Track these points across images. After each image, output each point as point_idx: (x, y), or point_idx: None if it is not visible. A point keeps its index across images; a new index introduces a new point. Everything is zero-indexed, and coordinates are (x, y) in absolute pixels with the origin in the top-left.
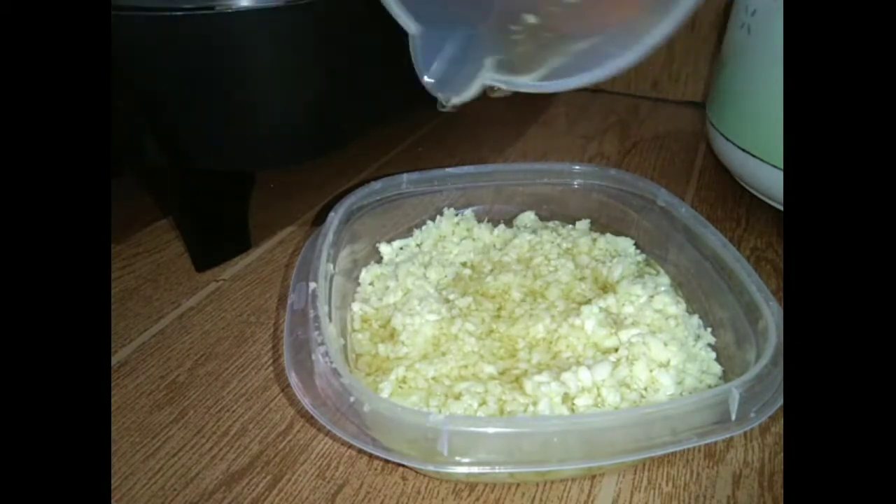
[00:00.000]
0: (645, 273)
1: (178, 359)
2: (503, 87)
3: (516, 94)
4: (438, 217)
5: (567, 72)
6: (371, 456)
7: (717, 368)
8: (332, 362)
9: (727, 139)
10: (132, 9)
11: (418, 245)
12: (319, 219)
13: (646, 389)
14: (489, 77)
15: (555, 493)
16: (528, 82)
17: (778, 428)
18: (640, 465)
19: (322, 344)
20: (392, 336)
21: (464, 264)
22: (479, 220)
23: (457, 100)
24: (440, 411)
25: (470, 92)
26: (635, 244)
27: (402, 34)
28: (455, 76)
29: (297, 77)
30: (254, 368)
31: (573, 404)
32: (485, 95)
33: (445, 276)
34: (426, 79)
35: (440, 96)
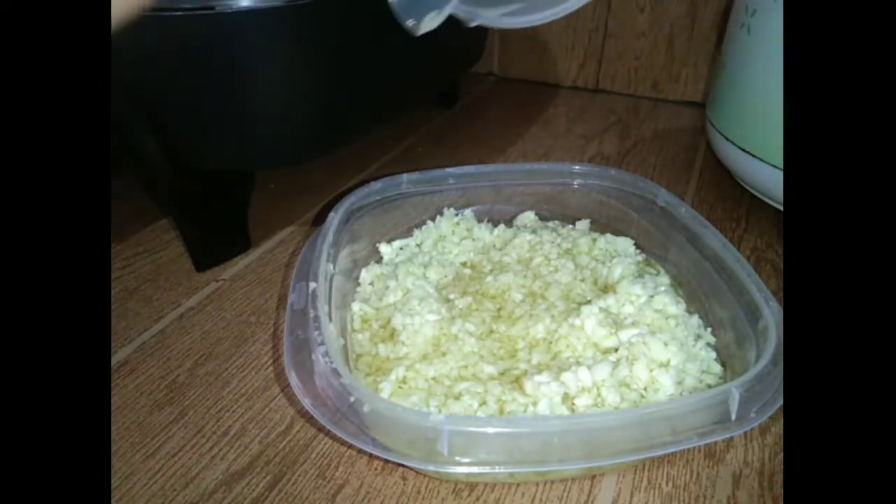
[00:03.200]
0: (645, 273)
1: (178, 359)
2: (466, 18)
3: (516, 94)
4: (438, 217)
5: (531, 8)
6: (371, 456)
7: (717, 368)
8: (332, 362)
9: (727, 139)
10: None
11: (418, 245)
12: (319, 219)
13: (646, 389)
14: (454, 6)
15: (555, 493)
16: (491, 16)
17: (778, 428)
18: (640, 465)
19: (322, 344)
20: (392, 336)
21: (464, 264)
22: (479, 220)
23: (422, 27)
24: (440, 411)
25: (435, 20)
26: (635, 244)
27: (402, 34)
28: (421, 2)
29: (296, 77)
30: (254, 368)
31: (573, 404)
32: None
33: (445, 276)
34: (391, 1)
35: (406, 23)
